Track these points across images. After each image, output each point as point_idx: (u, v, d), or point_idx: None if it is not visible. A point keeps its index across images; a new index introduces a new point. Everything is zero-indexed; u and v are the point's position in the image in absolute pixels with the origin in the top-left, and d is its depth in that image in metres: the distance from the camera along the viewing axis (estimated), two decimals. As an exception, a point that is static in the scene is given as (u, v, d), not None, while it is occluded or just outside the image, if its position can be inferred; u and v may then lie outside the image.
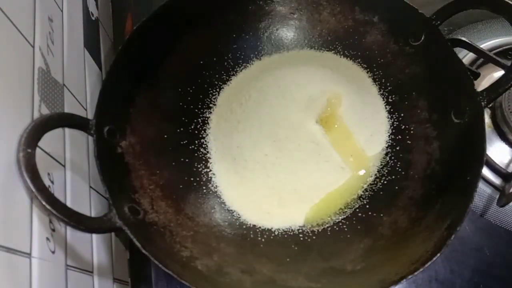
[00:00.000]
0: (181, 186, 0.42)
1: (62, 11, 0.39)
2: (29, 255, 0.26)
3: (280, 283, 0.36)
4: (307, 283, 0.36)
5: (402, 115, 0.46)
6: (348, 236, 0.41)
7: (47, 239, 0.29)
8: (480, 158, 0.36)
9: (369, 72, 0.48)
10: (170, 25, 0.44)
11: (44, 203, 0.28)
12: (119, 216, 0.32)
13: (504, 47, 0.53)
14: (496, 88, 0.38)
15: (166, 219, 0.38)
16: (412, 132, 0.45)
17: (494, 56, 0.47)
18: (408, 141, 0.45)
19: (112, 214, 0.32)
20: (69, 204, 0.33)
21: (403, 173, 0.43)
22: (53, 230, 0.30)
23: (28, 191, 0.28)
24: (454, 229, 0.34)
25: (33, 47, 0.32)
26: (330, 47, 0.50)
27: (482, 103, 0.38)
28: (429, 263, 0.33)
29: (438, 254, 0.33)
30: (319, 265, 0.38)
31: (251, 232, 0.42)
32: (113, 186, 0.35)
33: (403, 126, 0.45)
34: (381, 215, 0.42)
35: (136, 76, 0.41)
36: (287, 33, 0.51)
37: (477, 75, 0.44)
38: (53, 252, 0.29)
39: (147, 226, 0.36)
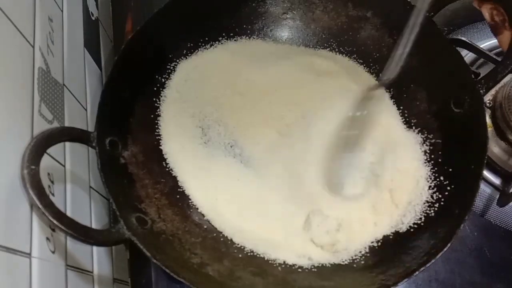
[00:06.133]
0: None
1: (62, 11, 0.38)
2: (29, 255, 0.26)
3: (293, 284, 0.36)
4: (320, 282, 0.36)
5: (401, 107, 0.46)
6: (357, 232, 0.41)
7: (47, 239, 0.29)
8: (483, 145, 0.36)
9: (365, 67, 0.49)
10: (166, 32, 0.44)
11: (51, 219, 0.27)
12: (127, 227, 0.32)
13: (504, 47, 0.53)
14: (494, 75, 0.38)
15: (173, 227, 0.38)
16: (413, 124, 0.45)
17: (494, 56, 0.47)
18: (410, 134, 0.45)
19: (120, 226, 0.32)
20: (69, 203, 0.33)
21: (406, 166, 0.43)
22: (53, 230, 0.30)
23: (35, 208, 0.27)
24: (462, 218, 0.34)
25: (33, 47, 0.31)
26: (325, 44, 0.50)
27: (481, 91, 0.38)
28: (440, 254, 0.33)
29: (449, 244, 0.33)
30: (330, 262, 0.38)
31: (259, 235, 0.42)
32: (119, 197, 0.34)
33: (404, 119, 0.45)
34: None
35: (134, 85, 0.41)
36: (281, 33, 0.51)
37: (477, 75, 0.45)
38: (53, 252, 0.29)
39: (155, 235, 0.36)
